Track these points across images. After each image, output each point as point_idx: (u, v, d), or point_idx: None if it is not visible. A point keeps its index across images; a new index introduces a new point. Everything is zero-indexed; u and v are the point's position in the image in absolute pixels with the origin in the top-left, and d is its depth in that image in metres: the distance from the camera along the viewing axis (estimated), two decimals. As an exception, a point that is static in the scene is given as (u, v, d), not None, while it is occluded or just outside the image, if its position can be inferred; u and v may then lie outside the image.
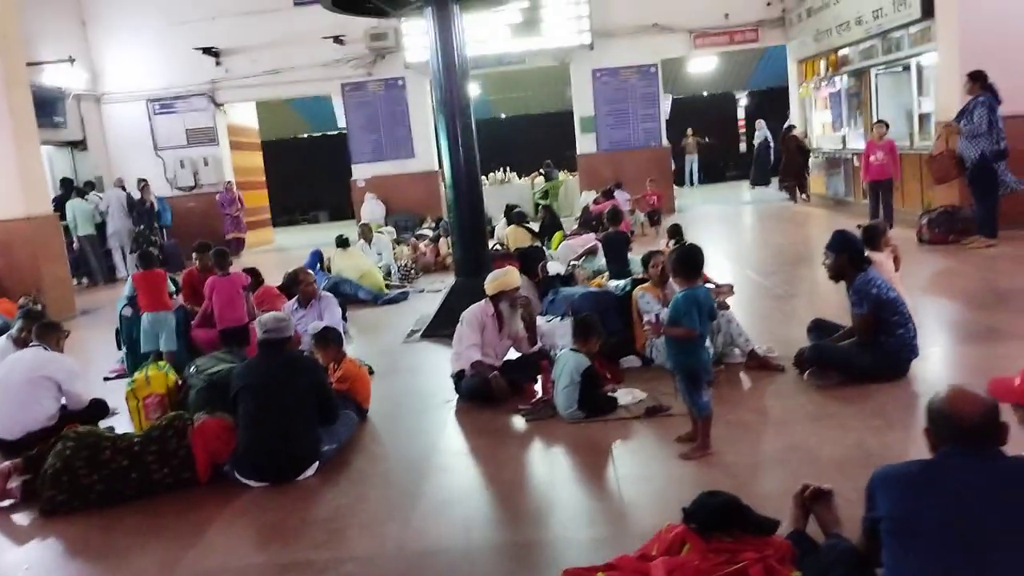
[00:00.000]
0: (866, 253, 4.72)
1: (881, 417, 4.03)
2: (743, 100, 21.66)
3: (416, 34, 14.22)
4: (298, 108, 19.17)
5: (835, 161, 13.73)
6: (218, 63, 15.13)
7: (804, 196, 14.83)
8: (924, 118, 11.20)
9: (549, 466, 4.12)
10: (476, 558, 3.13)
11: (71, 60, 14.01)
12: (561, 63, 15.49)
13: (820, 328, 4.99)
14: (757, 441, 3.91)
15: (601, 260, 8.02)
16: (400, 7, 7.32)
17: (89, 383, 5.40)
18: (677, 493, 3.41)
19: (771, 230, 11.86)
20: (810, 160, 14.69)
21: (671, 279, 4.84)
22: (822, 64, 14.31)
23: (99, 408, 4.90)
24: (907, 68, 11.57)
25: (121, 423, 4.85)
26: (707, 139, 19.96)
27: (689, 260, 3.76)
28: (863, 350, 4.50)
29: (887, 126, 10.13)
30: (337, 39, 14.81)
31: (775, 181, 16.08)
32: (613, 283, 6.21)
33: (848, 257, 4.60)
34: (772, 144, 17.89)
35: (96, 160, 15.05)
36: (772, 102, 19.29)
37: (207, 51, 14.93)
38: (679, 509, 2.68)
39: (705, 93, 21.05)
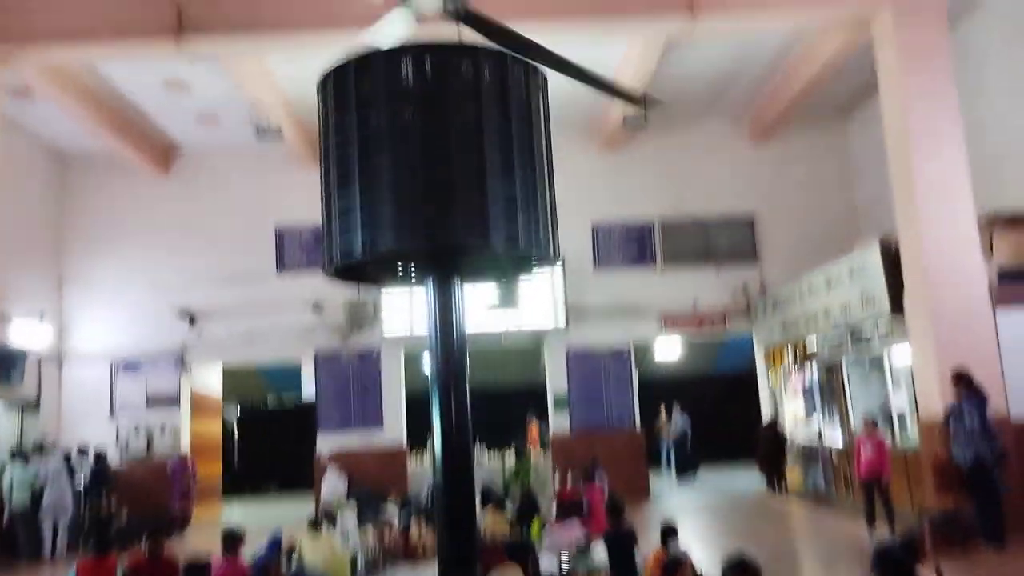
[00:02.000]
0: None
1: None
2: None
3: (394, 308, 14.47)
4: (265, 374, 18.85)
5: (812, 453, 13.46)
6: (192, 325, 14.98)
7: (780, 489, 14.36)
8: (901, 415, 11.21)
9: None
10: None
11: (41, 316, 13.74)
12: (535, 343, 15.68)
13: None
14: None
15: (597, 557, 7.32)
16: (400, 279, 7.23)
17: None
18: None
19: (760, 528, 11.15)
20: (786, 451, 14.45)
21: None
22: (789, 353, 14.57)
23: None
24: (878, 364, 11.73)
25: None
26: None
27: None
28: None
29: (876, 423, 9.99)
30: (316, 306, 14.94)
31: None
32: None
33: (896, 578, 4.17)
34: (689, 434, 18.15)
35: (46, 422, 14.17)
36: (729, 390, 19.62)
37: (184, 314, 14.86)
38: None
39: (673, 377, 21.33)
